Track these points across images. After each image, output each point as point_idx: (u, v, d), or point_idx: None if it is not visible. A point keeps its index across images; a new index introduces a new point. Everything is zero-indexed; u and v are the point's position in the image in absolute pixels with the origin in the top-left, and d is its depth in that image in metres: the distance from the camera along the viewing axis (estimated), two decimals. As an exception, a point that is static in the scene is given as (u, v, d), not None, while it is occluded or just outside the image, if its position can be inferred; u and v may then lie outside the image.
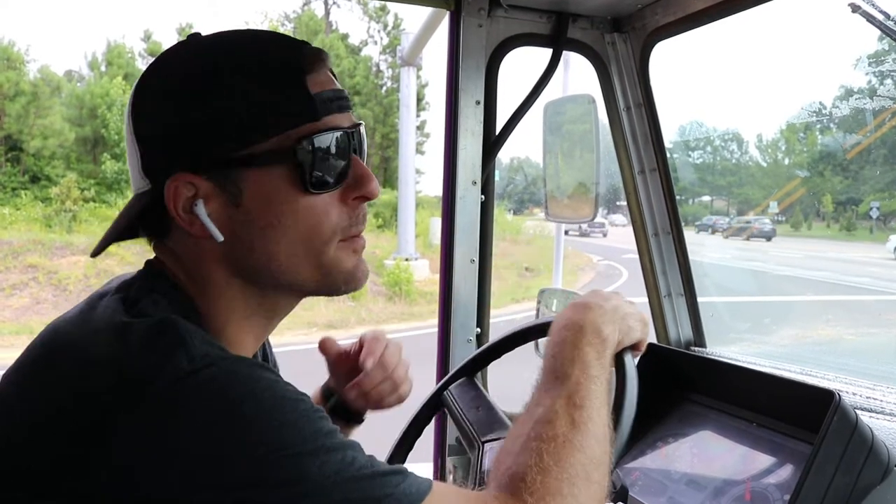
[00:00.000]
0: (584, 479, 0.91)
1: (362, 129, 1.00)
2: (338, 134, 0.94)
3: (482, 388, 1.45)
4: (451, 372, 1.47)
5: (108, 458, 0.75)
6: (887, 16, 1.49)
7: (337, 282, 0.98)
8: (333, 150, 0.94)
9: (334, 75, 0.99)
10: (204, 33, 0.97)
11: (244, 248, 0.93)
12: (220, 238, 0.91)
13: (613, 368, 1.14)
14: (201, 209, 0.90)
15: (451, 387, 1.45)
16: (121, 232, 0.98)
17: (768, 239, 18.87)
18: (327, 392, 1.36)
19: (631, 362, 1.14)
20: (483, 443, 1.29)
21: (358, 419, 1.33)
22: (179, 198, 0.90)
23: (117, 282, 0.97)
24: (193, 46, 0.96)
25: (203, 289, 0.96)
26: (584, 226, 26.66)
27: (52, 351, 0.88)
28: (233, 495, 0.74)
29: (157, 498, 0.74)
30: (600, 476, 0.93)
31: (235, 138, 0.89)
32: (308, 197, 0.92)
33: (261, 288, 0.97)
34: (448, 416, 1.46)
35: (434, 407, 1.45)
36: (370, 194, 0.98)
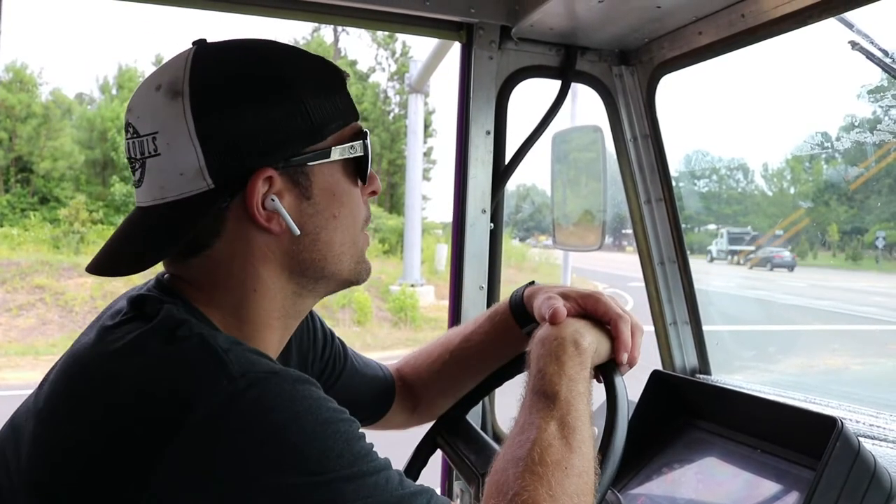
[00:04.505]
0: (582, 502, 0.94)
1: None
2: (368, 133, 1.05)
3: (474, 424, 1.46)
4: (440, 415, 1.49)
5: (146, 490, 0.76)
6: (886, 53, 1.53)
7: (361, 271, 1.07)
8: (369, 147, 1.05)
9: None
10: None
11: (308, 240, 0.99)
12: (297, 231, 0.97)
13: (603, 386, 1.16)
14: (279, 204, 0.95)
15: (444, 426, 1.46)
16: (163, 244, 0.94)
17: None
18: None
19: (621, 382, 1.16)
20: (481, 475, 1.30)
21: None
22: (258, 194, 0.93)
23: (124, 301, 0.97)
24: (243, 52, 0.99)
25: (243, 295, 0.97)
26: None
27: (79, 383, 0.88)
28: None
29: None
30: (590, 499, 0.96)
31: (307, 135, 0.97)
32: (355, 189, 1.04)
33: (303, 282, 1.02)
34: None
35: (429, 450, 1.46)
36: (379, 189, 1.10)
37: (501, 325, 1.35)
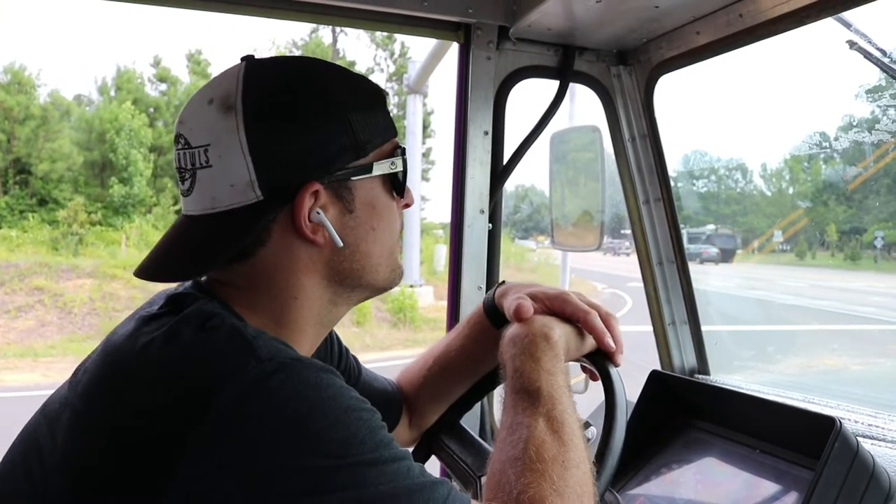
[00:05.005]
0: (586, 494, 0.94)
1: None
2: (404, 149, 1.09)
3: (469, 428, 1.47)
4: (435, 421, 1.50)
5: (174, 473, 0.78)
6: (884, 52, 1.53)
7: (395, 277, 1.12)
8: (407, 162, 1.09)
9: None
10: (254, 58, 1.04)
11: (349, 251, 1.03)
12: (341, 244, 1.01)
13: (601, 385, 1.16)
14: (324, 217, 0.99)
15: (438, 431, 1.47)
16: (207, 257, 0.97)
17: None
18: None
19: (616, 372, 1.16)
20: (479, 477, 1.31)
21: None
22: (305, 207, 0.97)
23: (161, 299, 1.00)
24: (292, 69, 1.04)
25: (284, 301, 1.01)
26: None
27: (117, 370, 0.91)
28: (292, 501, 0.78)
29: None
30: (591, 489, 0.96)
31: (352, 151, 1.00)
32: (393, 203, 1.08)
33: (339, 290, 1.06)
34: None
35: (424, 455, 1.47)
36: (412, 202, 1.13)
37: (478, 327, 1.37)
